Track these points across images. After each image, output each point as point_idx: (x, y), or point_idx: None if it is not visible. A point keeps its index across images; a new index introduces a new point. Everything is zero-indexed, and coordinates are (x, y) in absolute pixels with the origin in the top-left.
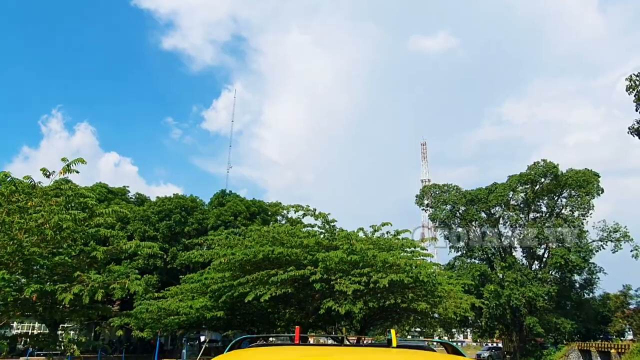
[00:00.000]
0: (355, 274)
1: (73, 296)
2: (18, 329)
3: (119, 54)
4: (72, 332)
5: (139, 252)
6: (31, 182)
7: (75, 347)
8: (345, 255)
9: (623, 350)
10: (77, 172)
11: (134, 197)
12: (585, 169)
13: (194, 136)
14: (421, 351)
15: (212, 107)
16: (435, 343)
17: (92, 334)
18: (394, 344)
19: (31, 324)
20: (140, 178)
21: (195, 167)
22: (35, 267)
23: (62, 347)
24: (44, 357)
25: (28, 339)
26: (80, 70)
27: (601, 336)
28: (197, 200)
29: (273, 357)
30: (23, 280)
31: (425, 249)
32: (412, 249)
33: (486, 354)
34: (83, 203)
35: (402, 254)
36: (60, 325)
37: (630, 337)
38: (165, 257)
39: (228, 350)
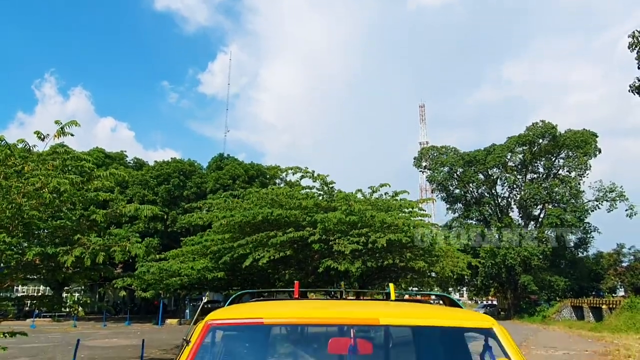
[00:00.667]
0: (354, 235)
1: (75, 259)
2: (22, 292)
3: (111, 16)
4: (76, 294)
5: (139, 215)
6: (26, 145)
7: (80, 308)
8: (343, 216)
9: (614, 306)
10: (72, 134)
11: (132, 162)
12: (584, 129)
13: (190, 100)
14: (419, 303)
15: (207, 70)
16: (433, 296)
17: (97, 296)
18: (392, 297)
19: (35, 287)
20: (138, 143)
21: (193, 131)
22: (35, 231)
23: (67, 308)
24: (50, 319)
25: (34, 301)
26: (72, 32)
27: (593, 293)
28: (195, 164)
29: (272, 309)
30: (25, 244)
31: (423, 210)
32: (410, 209)
33: (481, 311)
34: (80, 166)
35: (400, 215)
36: (64, 287)
37: (622, 293)
38: (165, 218)
39: (228, 305)
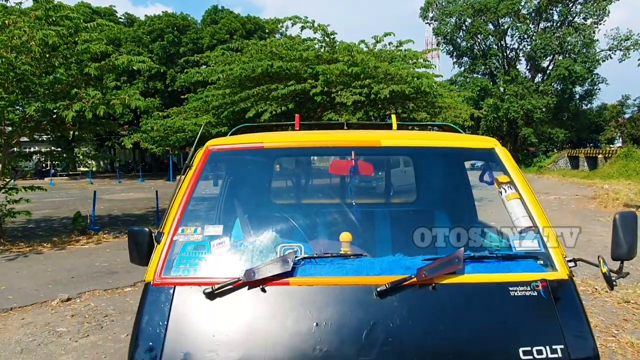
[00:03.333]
0: (356, 86)
1: (75, 113)
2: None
3: None
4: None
5: (132, 66)
6: (6, 1)
7: (92, 162)
8: (346, 68)
9: (610, 155)
10: None
11: (122, 18)
12: None
13: None
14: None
15: None
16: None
17: (108, 157)
18: (394, 127)
19: (47, 149)
20: None
21: None
22: (31, 88)
23: (78, 162)
24: (67, 177)
25: (45, 157)
26: None
27: (591, 144)
28: (189, 18)
29: (273, 136)
30: (24, 102)
31: (428, 61)
32: (415, 60)
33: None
34: (65, 17)
35: (404, 65)
36: (73, 146)
37: (619, 144)
38: (165, 76)
39: (230, 136)
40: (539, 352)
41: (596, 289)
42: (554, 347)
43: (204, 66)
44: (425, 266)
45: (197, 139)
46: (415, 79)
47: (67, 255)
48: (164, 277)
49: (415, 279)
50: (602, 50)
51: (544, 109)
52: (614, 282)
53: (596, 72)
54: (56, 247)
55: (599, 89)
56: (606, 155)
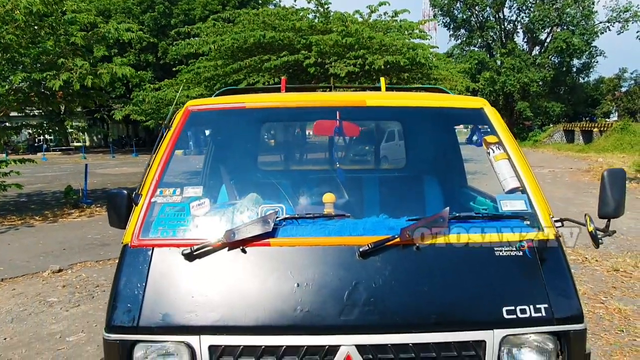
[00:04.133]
0: (350, 57)
1: (63, 83)
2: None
3: None
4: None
5: (120, 37)
6: None
7: (84, 136)
8: (340, 38)
9: (605, 129)
10: None
11: None
12: None
13: None
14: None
15: None
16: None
17: (100, 131)
18: (383, 90)
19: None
20: None
21: None
22: (17, 58)
23: (69, 136)
24: (60, 152)
25: (34, 129)
26: None
27: (587, 118)
28: None
29: (257, 97)
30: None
31: (424, 32)
32: (410, 31)
33: (474, 138)
34: None
35: (399, 36)
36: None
37: (615, 118)
38: (156, 48)
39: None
40: (523, 311)
41: (586, 257)
42: (537, 306)
43: (196, 38)
44: (409, 226)
45: (175, 100)
46: (411, 50)
47: (59, 228)
48: (142, 239)
49: (398, 239)
50: (600, 22)
51: (540, 83)
52: (600, 241)
53: (594, 44)
54: (48, 220)
55: (597, 62)
56: (601, 129)
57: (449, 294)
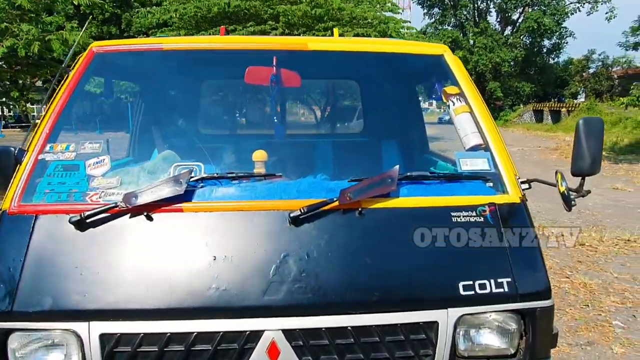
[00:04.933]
0: (320, 29)
1: (7, 49)
2: None
3: None
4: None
5: (74, 2)
6: None
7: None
8: (308, 9)
9: (573, 109)
10: None
11: None
12: None
13: None
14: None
15: None
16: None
17: None
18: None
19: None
20: None
21: None
22: None
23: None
24: (19, 129)
25: None
26: None
27: (555, 98)
28: None
29: (176, 39)
30: None
31: (396, 5)
32: (382, 4)
33: (447, 117)
34: None
35: (370, 8)
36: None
37: (582, 99)
38: (120, 20)
39: None
40: (482, 286)
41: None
42: (499, 280)
43: (158, 7)
44: (350, 187)
45: (77, 40)
46: (382, 23)
47: None
48: (23, 205)
49: (337, 203)
50: (571, 3)
51: (512, 63)
52: (573, 202)
53: (564, 25)
54: None
55: (567, 43)
56: (569, 109)
57: (396, 267)
